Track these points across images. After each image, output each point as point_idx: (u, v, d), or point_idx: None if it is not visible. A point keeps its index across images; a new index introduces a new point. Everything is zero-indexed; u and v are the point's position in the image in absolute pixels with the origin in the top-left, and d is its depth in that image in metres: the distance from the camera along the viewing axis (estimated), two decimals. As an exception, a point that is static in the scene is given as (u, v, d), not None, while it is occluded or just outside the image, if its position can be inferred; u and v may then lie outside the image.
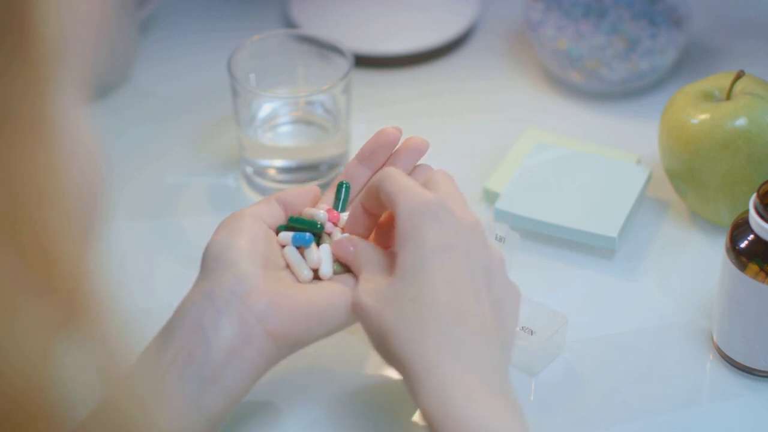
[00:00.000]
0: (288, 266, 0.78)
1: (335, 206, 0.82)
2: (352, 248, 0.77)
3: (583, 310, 0.89)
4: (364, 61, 1.11)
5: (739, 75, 0.92)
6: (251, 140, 0.99)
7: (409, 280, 0.71)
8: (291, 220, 0.79)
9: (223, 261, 0.75)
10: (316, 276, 0.78)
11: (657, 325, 0.89)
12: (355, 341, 0.87)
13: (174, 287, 0.84)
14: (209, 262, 0.75)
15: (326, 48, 1.00)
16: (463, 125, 1.07)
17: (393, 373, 0.86)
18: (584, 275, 0.93)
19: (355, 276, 0.77)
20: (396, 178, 0.74)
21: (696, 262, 0.93)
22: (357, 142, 1.01)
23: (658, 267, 0.93)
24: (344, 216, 0.81)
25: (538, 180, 0.96)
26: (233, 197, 1.00)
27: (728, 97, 0.93)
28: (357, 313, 0.73)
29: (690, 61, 1.11)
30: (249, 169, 1.00)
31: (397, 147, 0.83)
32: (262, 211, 0.79)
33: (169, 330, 0.73)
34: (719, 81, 0.94)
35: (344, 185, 0.82)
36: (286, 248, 0.78)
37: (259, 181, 1.00)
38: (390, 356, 0.71)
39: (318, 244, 0.79)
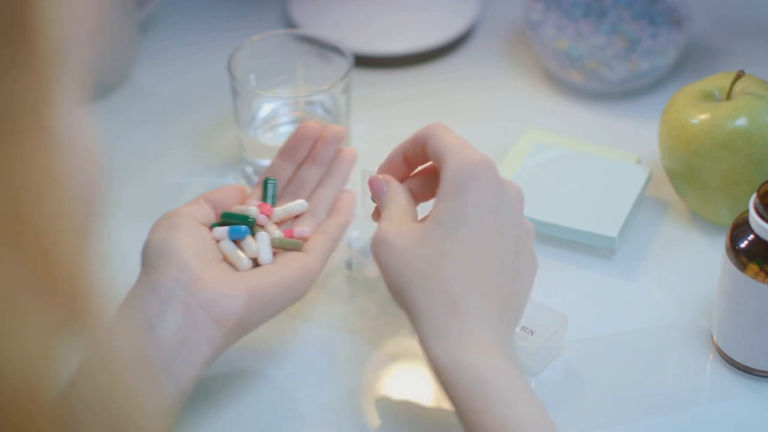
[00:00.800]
0: (225, 259, 0.80)
1: (264, 200, 0.86)
2: (385, 188, 0.78)
3: (583, 310, 0.89)
4: (364, 61, 1.11)
5: (739, 75, 0.92)
6: (251, 140, 0.99)
7: (444, 234, 0.72)
8: (224, 215, 0.82)
9: (165, 254, 0.76)
10: (256, 265, 0.81)
11: (657, 325, 0.89)
12: (355, 342, 0.87)
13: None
14: (151, 258, 0.77)
15: (326, 48, 1.00)
16: (463, 125, 1.07)
17: (394, 374, 0.86)
18: (584, 275, 0.93)
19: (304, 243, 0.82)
20: (446, 135, 0.77)
21: (696, 262, 0.93)
22: (357, 142, 1.02)
23: (658, 267, 0.93)
24: (277, 209, 0.85)
25: (538, 180, 0.96)
26: (233, 197, 1.00)
27: (728, 97, 0.93)
28: (377, 251, 0.74)
29: (690, 61, 1.11)
30: (249, 169, 1.00)
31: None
32: (194, 210, 0.81)
33: (114, 327, 0.73)
34: (719, 81, 0.94)
35: (271, 181, 0.86)
36: (222, 242, 0.81)
37: (259, 181, 1.00)
38: (403, 299, 0.73)
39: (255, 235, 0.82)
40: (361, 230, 0.92)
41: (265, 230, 0.83)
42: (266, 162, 1.00)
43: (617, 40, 1.08)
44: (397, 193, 0.78)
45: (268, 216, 0.84)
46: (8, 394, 0.40)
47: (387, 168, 0.81)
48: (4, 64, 0.39)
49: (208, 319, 0.75)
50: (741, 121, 0.90)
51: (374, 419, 0.83)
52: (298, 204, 0.86)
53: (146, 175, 1.02)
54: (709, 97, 0.93)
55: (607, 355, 0.87)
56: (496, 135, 1.05)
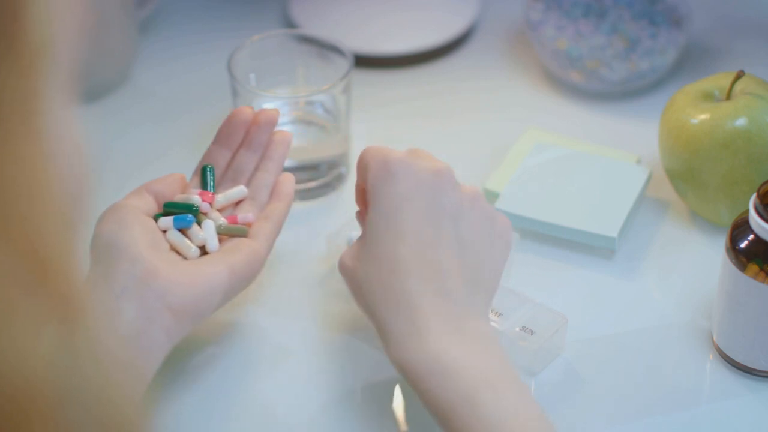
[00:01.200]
0: (173, 248, 0.81)
1: (203, 188, 0.86)
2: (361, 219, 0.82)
3: (583, 310, 0.89)
4: (364, 61, 1.11)
5: (739, 75, 0.92)
6: (251, 140, 0.99)
7: (372, 240, 0.75)
8: (167, 205, 0.83)
9: (116, 247, 0.77)
10: (204, 253, 0.81)
11: (657, 325, 0.89)
12: (355, 342, 0.87)
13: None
14: (101, 252, 0.77)
15: (326, 48, 1.00)
16: (463, 125, 1.07)
17: (394, 374, 0.86)
18: (584, 275, 0.93)
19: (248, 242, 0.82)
20: (370, 148, 0.79)
21: (696, 262, 0.93)
22: (357, 142, 1.02)
23: (658, 267, 0.93)
24: (218, 197, 0.85)
25: (538, 180, 0.96)
26: (233, 197, 1.00)
27: (728, 97, 0.93)
28: (341, 273, 0.78)
29: (690, 61, 1.11)
30: (249, 169, 1.00)
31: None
32: (136, 201, 0.82)
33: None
34: (719, 81, 0.94)
35: (208, 168, 0.86)
36: (169, 232, 0.81)
37: (259, 181, 1.00)
38: (364, 311, 0.76)
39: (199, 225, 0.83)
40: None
41: (209, 218, 0.83)
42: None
43: (617, 40, 1.08)
44: (361, 215, 0.81)
45: (210, 203, 0.84)
46: (2, 391, 0.40)
47: (357, 199, 0.82)
48: None
49: (163, 310, 0.75)
50: (741, 121, 0.90)
51: (374, 419, 0.83)
52: (238, 190, 0.86)
53: (146, 175, 1.02)
54: (709, 97, 0.93)
55: (607, 355, 0.87)
56: (496, 135, 1.05)
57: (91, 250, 0.78)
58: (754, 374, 0.84)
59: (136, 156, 1.03)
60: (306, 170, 0.99)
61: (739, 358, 0.84)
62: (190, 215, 0.82)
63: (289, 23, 1.16)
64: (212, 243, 0.82)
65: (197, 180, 0.87)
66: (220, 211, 0.85)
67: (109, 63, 1.09)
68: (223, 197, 0.85)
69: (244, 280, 0.80)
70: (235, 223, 0.84)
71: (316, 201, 0.99)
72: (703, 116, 0.91)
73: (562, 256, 0.94)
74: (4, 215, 0.40)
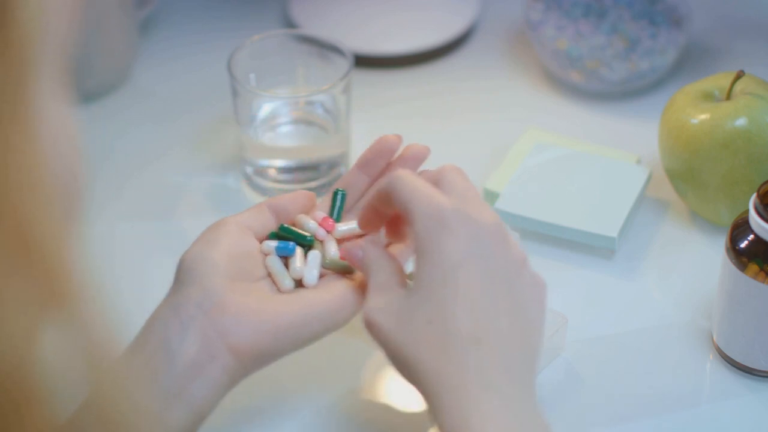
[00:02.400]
0: (269, 275, 0.76)
1: (330, 214, 0.80)
2: (360, 252, 0.74)
3: (583, 310, 0.89)
4: (364, 61, 1.11)
5: (739, 75, 0.92)
6: (251, 140, 0.99)
7: (425, 299, 0.68)
8: (282, 228, 0.78)
9: (193, 273, 0.73)
10: (302, 285, 0.76)
11: (657, 325, 0.89)
12: (355, 342, 0.87)
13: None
14: (181, 275, 0.74)
15: (326, 48, 1.00)
16: (463, 125, 1.07)
17: (394, 374, 0.86)
18: (584, 275, 0.93)
19: (356, 281, 0.75)
20: (408, 183, 0.71)
21: (696, 262, 0.93)
22: (357, 142, 1.02)
23: (658, 267, 0.93)
24: (339, 226, 0.79)
25: (538, 180, 0.96)
26: (233, 197, 1.00)
27: (728, 97, 0.93)
28: (369, 331, 0.70)
29: (690, 61, 1.11)
30: (249, 169, 1.00)
31: (398, 154, 0.81)
32: (250, 218, 0.77)
33: (137, 344, 0.72)
34: (719, 81, 0.94)
35: (340, 193, 0.80)
36: (269, 257, 0.76)
37: (259, 181, 1.00)
38: (406, 376, 0.69)
39: (307, 252, 0.77)
40: None
41: (324, 247, 0.77)
42: (266, 162, 1.00)
43: (617, 40, 1.08)
44: (375, 257, 0.73)
45: (328, 231, 0.78)
46: None
47: (363, 223, 0.76)
48: None
49: (224, 348, 0.71)
50: (741, 121, 0.90)
51: (374, 419, 0.83)
52: None
53: (146, 175, 1.02)
54: (709, 97, 0.93)
55: (607, 355, 0.87)
56: (496, 135, 1.05)
57: (176, 269, 0.74)
58: (754, 374, 0.84)
59: (136, 156, 1.03)
60: (306, 170, 0.99)
61: (739, 358, 0.84)
62: (292, 243, 0.76)
63: (289, 23, 1.16)
64: (309, 277, 0.75)
65: (328, 202, 0.80)
66: (340, 241, 0.78)
67: (109, 63, 1.09)
68: (345, 228, 0.79)
69: (330, 324, 0.73)
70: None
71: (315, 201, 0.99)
72: (703, 116, 0.91)
73: (562, 256, 0.94)
74: None
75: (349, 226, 0.79)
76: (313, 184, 0.99)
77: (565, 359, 0.86)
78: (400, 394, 0.84)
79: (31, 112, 0.41)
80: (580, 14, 1.10)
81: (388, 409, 0.84)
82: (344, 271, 0.76)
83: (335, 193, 0.80)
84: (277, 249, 0.76)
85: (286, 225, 0.78)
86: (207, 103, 1.08)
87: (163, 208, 1.00)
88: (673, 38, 1.08)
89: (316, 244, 0.77)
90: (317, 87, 0.98)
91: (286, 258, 0.76)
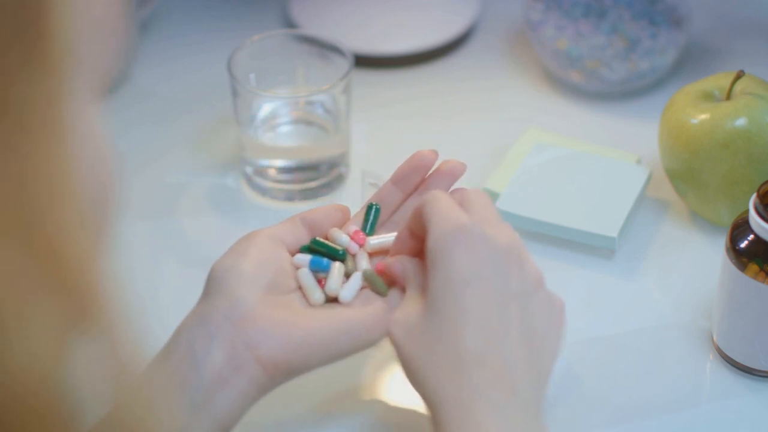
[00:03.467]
0: (300, 289, 0.75)
1: (363, 228, 0.79)
2: (401, 266, 0.74)
3: (583, 310, 0.89)
4: (364, 61, 1.11)
5: (739, 75, 0.92)
6: (251, 140, 0.99)
7: (436, 316, 0.69)
8: (314, 242, 0.77)
9: (222, 284, 0.72)
10: (335, 300, 0.75)
11: (657, 325, 0.89)
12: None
13: (174, 287, 0.84)
14: (210, 285, 0.73)
15: (326, 48, 1.00)
16: (463, 125, 1.07)
17: (394, 374, 0.86)
18: (584, 275, 0.93)
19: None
20: (435, 201, 0.71)
21: (696, 262, 0.93)
22: (357, 142, 1.02)
23: (658, 267, 0.93)
24: (371, 240, 0.78)
25: (538, 180, 0.96)
26: (233, 197, 1.00)
27: (728, 97, 0.93)
28: (390, 342, 0.72)
29: (690, 61, 1.11)
30: (249, 169, 1.00)
31: (433, 169, 0.81)
32: (282, 231, 0.77)
33: (165, 352, 0.72)
34: (719, 81, 0.94)
35: (374, 207, 0.79)
36: (300, 270, 0.75)
37: (259, 181, 1.00)
38: (416, 388, 0.70)
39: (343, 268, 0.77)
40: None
41: (355, 260, 0.77)
42: (266, 162, 1.00)
43: (617, 40, 1.08)
44: (411, 270, 0.74)
45: (360, 245, 0.78)
46: (19, 394, 0.40)
47: (397, 247, 0.76)
48: (18, 62, 0.39)
49: (252, 360, 0.71)
50: (741, 121, 0.90)
51: (374, 419, 0.83)
52: (394, 236, 0.77)
53: (146, 175, 1.02)
54: (709, 97, 0.93)
55: (607, 355, 0.87)
56: (496, 135, 1.05)
57: (207, 280, 0.74)
58: (754, 374, 0.84)
59: (136, 156, 1.03)
60: (306, 170, 0.99)
61: (739, 358, 0.84)
62: (326, 260, 0.76)
63: (289, 23, 1.16)
64: (345, 294, 0.75)
65: (362, 216, 0.79)
66: (371, 255, 0.78)
67: (118, 65, 1.09)
68: (376, 241, 0.78)
69: (360, 343, 0.73)
70: (382, 274, 0.76)
71: (316, 201, 0.99)
72: (703, 116, 0.91)
73: (562, 256, 0.94)
74: (25, 215, 0.40)
75: (380, 239, 0.78)
76: (313, 184, 0.99)
77: (565, 360, 0.86)
78: (400, 394, 0.84)
79: (64, 124, 0.41)
80: (580, 14, 1.10)
81: (388, 409, 0.84)
82: (378, 288, 0.76)
83: (369, 207, 0.80)
84: (311, 264, 0.76)
85: (318, 239, 0.78)
86: (207, 103, 1.08)
87: (163, 208, 1.00)
88: (673, 38, 1.08)
89: (349, 259, 0.77)
90: (317, 87, 0.98)
91: (318, 273, 0.76)
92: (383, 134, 1.06)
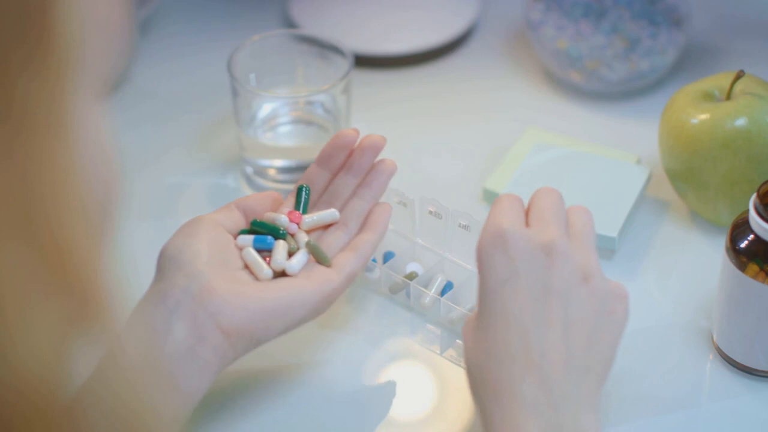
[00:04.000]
0: (246, 267, 0.78)
1: (296, 208, 0.84)
2: None
3: (583, 310, 0.89)
4: (364, 61, 1.11)
5: (739, 75, 0.92)
6: (251, 140, 0.99)
7: (483, 317, 0.70)
8: (254, 224, 0.81)
9: (177, 262, 0.75)
10: (282, 275, 0.79)
11: (657, 325, 0.89)
12: (355, 342, 0.87)
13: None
14: (164, 264, 0.76)
15: (326, 48, 1.00)
16: (463, 125, 1.07)
17: (394, 374, 0.86)
18: (584, 275, 0.93)
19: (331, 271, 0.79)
20: (495, 204, 0.73)
21: (696, 262, 0.93)
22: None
23: (658, 267, 0.93)
24: (305, 218, 0.83)
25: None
26: (233, 197, 1.00)
27: (728, 97, 0.93)
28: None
29: (690, 61, 1.11)
30: (249, 169, 1.00)
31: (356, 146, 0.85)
32: (221, 216, 0.80)
33: (124, 334, 0.72)
34: (719, 81, 0.94)
35: (304, 188, 0.84)
36: (245, 249, 0.79)
37: (259, 181, 1.00)
38: (471, 390, 0.71)
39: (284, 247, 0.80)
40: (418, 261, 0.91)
41: (295, 239, 0.81)
42: (266, 162, 1.00)
43: (617, 40, 1.08)
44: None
45: (297, 224, 0.82)
46: (20, 391, 0.40)
47: None
48: (21, 62, 0.39)
49: (216, 330, 0.73)
50: (741, 121, 0.90)
51: (374, 419, 0.83)
52: (329, 213, 0.83)
53: (146, 175, 1.02)
54: (709, 97, 0.93)
55: (607, 355, 0.86)
56: (496, 135, 1.05)
57: (157, 262, 0.76)
58: (754, 374, 0.84)
59: (136, 156, 1.03)
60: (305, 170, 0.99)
61: (739, 358, 0.84)
62: (270, 237, 0.80)
63: (289, 23, 1.16)
64: (293, 265, 0.79)
65: (292, 200, 0.84)
66: (308, 232, 0.82)
67: (119, 64, 1.09)
68: (312, 219, 0.83)
69: (312, 311, 0.77)
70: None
71: (316, 201, 0.99)
72: (703, 116, 0.91)
73: (562, 256, 0.94)
74: (29, 215, 0.40)
75: (315, 217, 0.83)
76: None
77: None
78: (401, 394, 0.84)
79: (68, 125, 0.41)
80: (580, 14, 1.10)
81: (387, 409, 0.84)
82: (320, 259, 0.80)
83: (300, 189, 0.85)
84: (255, 242, 0.79)
85: (258, 219, 0.81)
86: (207, 103, 1.08)
87: (163, 208, 1.00)
88: (673, 38, 1.08)
89: (288, 238, 0.81)
90: (317, 87, 0.98)
91: (261, 253, 0.79)
92: (383, 134, 1.05)
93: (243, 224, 0.81)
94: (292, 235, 0.81)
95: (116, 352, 0.44)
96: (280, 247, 0.80)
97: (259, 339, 0.75)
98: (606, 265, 0.93)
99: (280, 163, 1.00)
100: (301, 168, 0.99)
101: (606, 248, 0.93)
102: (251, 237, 0.80)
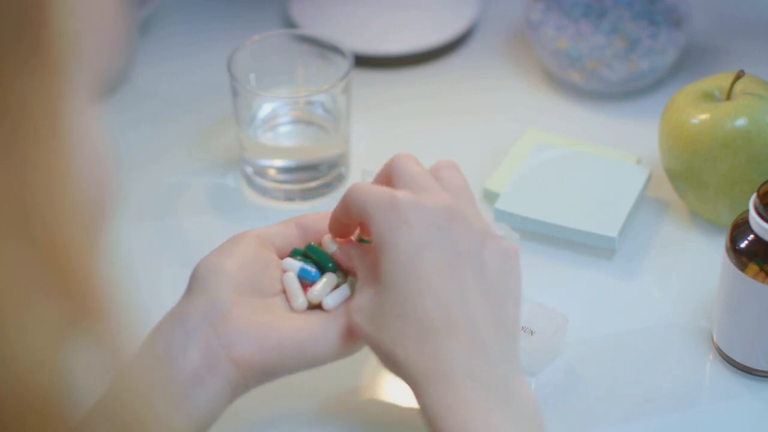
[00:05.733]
0: (284, 292, 0.76)
1: (362, 240, 0.78)
2: (347, 255, 0.75)
3: (583, 310, 0.89)
4: (364, 61, 1.11)
5: (739, 75, 0.92)
6: (251, 140, 0.99)
7: (390, 294, 0.69)
8: (309, 248, 0.77)
9: (204, 283, 0.73)
10: (319, 307, 0.75)
11: (657, 325, 0.89)
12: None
13: (174, 287, 0.84)
14: (193, 283, 0.74)
15: (326, 48, 1.00)
16: (463, 125, 1.07)
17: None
18: (584, 275, 0.93)
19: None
20: (360, 188, 0.72)
21: (696, 262, 0.93)
22: (357, 142, 1.02)
23: (658, 267, 0.93)
24: None
25: (538, 180, 0.96)
26: (233, 197, 1.00)
27: (728, 97, 0.93)
28: (355, 331, 0.72)
29: (690, 61, 1.11)
30: (249, 169, 1.00)
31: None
32: (274, 232, 0.77)
33: (141, 353, 0.72)
34: (719, 81, 0.94)
35: None
36: (287, 274, 0.76)
37: (259, 181, 1.00)
38: (392, 370, 0.70)
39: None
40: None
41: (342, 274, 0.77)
42: (266, 162, 1.00)
43: (617, 40, 1.08)
44: (357, 258, 0.74)
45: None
46: (18, 393, 0.40)
47: (333, 234, 0.77)
48: (17, 63, 0.39)
49: (228, 360, 0.71)
50: (741, 121, 0.90)
51: (374, 419, 0.83)
52: None
53: (146, 175, 1.02)
54: (709, 97, 0.93)
55: (607, 355, 0.87)
56: (496, 135, 1.05)
57: (191, 276, 0.74)
58: (754, 374, 0.84)
59: (136, 156, 1.03)
60: (306, 170, 0.99)
61: (739, 358, 0.84)
62: (315, 271, 0.76)
63: (289, 23, 1.16)
64: (329, 301, 0.74)
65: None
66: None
67: (115, 64, 1.09)
68: None
69: (333, 350, 0.73)
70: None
71: (316, 201, 0.99)
72: (703, 116, 0.91)
73: (562, 256, 0.94)
74: (25, 215, 0.40)
75: None
76: (313, 184, 0.99)
77: (565, 359, 0.86)
78: (401, 394, 0.84)
79: (64, 125, 0.41)
80: (580, 14, 1.10)
81: (387, 409, 0.84)
82: None
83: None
84: (300, 272, 0.76)
85: (313, 245, 0.77)
86: (207, 103, 1.08)
87: (163, 208, 1.00)
88: (673, 38, 1.08)
89: (339, 272, 0.77)
90: (317, 87, 0.98)
91: (305, 281, 0.76)
92: (383, 134, 1.06)
93: (297, 242, 0.77)
94: (344, 271, 0.77)
95: (112, 346, 0.44)
96: (325, 279, 0.76)
97: (273, 373, 0.73)
98: (606, 265, 0.93)
99: (280, 163, 1.00)
100: (301, 168, 0.99)
101: (606, 248, 0.93)
102: (299, 264, 0.76)
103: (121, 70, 1.11)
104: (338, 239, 0.77)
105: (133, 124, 1.07)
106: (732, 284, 0.82)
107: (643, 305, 0.90)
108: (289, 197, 0.99)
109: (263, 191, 1.00)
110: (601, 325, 0.89)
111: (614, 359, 0.86)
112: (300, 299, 0.74)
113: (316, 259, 0.77)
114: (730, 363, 0.85)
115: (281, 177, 1.00)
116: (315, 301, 0.75)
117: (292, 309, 0.75)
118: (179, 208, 1.00)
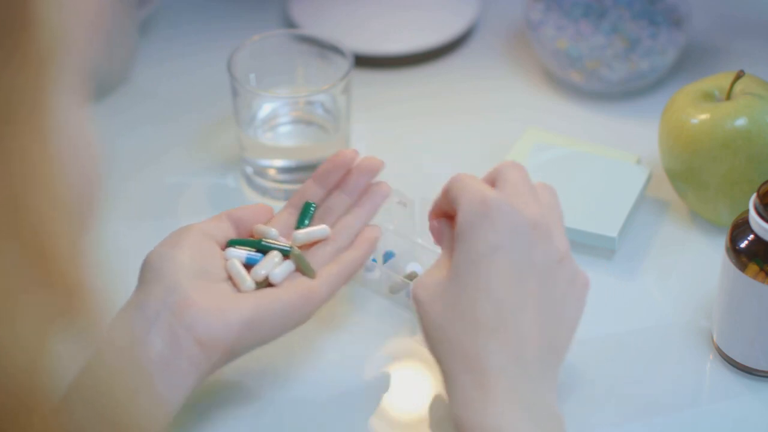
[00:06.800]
0: (230, 278, 0.79)
1: (300, 223, 0.85)
2: (440, 229, 0.77)
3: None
4: (364, 61, 1.11)
5: (739, 75, 0.92)
6: (251, 140, 0.99)
7: (457, 285, 0.71)
8: (238, 242, 0.81)
9: (158, 272, 0.76)
10: (269, 285, 0.80)
11: (657, 325, 0.89)
12: (356, 342, 0.87)
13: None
14: (145, 273, 0.76)
15: (326, 48, 1.00)
16: (463, 125, 1.07)
17: (394, 374, 0.86)
18: (584, 275, 0.93)
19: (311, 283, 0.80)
20: (461, 180, 0.75)
21: (696, 262, 0.93)
22: (357, 142, 1.02)
23: (658, 267, 0.93)
24: (298, 233, 0.83)
25: (538, 180, 0.96)
26: (233, 197, 1.00)
27: (728, 97, 0.93)
28: (414, 302, 0.74)
29: (690, 61, 1.11)
30: (249, 169, 1.00)
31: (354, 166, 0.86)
32: (211, 226, 0.81)
33: (105, 339, 0.73)
34: (719, 81, 0.94)
35: (312, 206, 0.85)
36: (230, 261, 0.80)
37: (259, 181, 1.00)
38: (431, 350, 0.73)
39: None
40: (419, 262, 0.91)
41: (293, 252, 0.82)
42: (266, 162, 1.00)
43: (617, 40, 1.08)
44: (446, 237, 0.76)
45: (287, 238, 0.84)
46: (5, 387, 0.40)
47: (436, 236, 0.79)
48: (3, 58, 0.39)
49: (192, 343, 0.74)
50: (741, 121, 0.90)
51: (374, 419, 0.83)
52: (320, 229, 0.84)
53: (146, 175, 1.02)
54: (709, 97, 0.93)
55: (607, 355, 0.87)
56: (496, 135, 1.05)
57: (140, 270, 0.77)
58: (754, 374, 0.84)
59: (136, 156, 1.03)
60: (306, 170, 0.99)
61: (739, 358, 0.84)
62: (259, 257, 0.81)
63: (289, 23, 1.16)
64: (275, 275, 0.80)
65: (284, 213, 0.85)
66: (299, 248, 0.83)
67: (108, 63, 1.09)
68: (303, 234, 0.83)
69: (292, 322, 0.78)
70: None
71: (316, 201, 0.99)
72: (703, 116, 0.91)
73: (562, 256, 0.94)
74: (11, 210, 0.40)
75: (307, 232, 0.84)
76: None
77: (566, 359, 0.86)
78: (401, 394, 0.84)
79: (49, 119, 0.41)
80: (580, 14, 1.10)
81: (388, 409, 0.84)
82: (305, 269, 0.81)
83: (306, 206, 0.85)
84: (247, 260, 0.80)
85: (264, 241, 0.82)
86: (207, 103, 1.08)
87: (163, 208, 1.00)
88: (673, 38, 1.08)
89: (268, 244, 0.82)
90: (317, 87, 0.98)
91: (248, 266, 0.80)
92: (383, 134, 1.06)
93: (232, 234, 0.82)
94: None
95: (102, 351, 0.44)
96: (263, 259, 0.80)
97: (237, 350, 0.76)
98: (606, 265, 0.93)
99: (280, 163, 1.00)
100: (301, 168, 0.99)
101: (606, 248, 0.93)
102: (242, 252, 0.80)
103: (120, 71, 1.11)
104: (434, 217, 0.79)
105: (134, 124, 1.07)
106: (732, 284, 0.82)
107: (643, 305, 0.90)
108: (289, 197, 0.99)
109: (263, 191, 1.00)
110: (601, 325, 0.89)
111: (614, 359, 0.86)
112: (247, 282, 0.79)
113: (250, 247, 0.81)
114: (730, 363, 0.85)
115: (281, 177, 1.00)
116: (260, 278, 0.79)
117: (241, 292, 0.78)
118: (179, 208, 1.00)
